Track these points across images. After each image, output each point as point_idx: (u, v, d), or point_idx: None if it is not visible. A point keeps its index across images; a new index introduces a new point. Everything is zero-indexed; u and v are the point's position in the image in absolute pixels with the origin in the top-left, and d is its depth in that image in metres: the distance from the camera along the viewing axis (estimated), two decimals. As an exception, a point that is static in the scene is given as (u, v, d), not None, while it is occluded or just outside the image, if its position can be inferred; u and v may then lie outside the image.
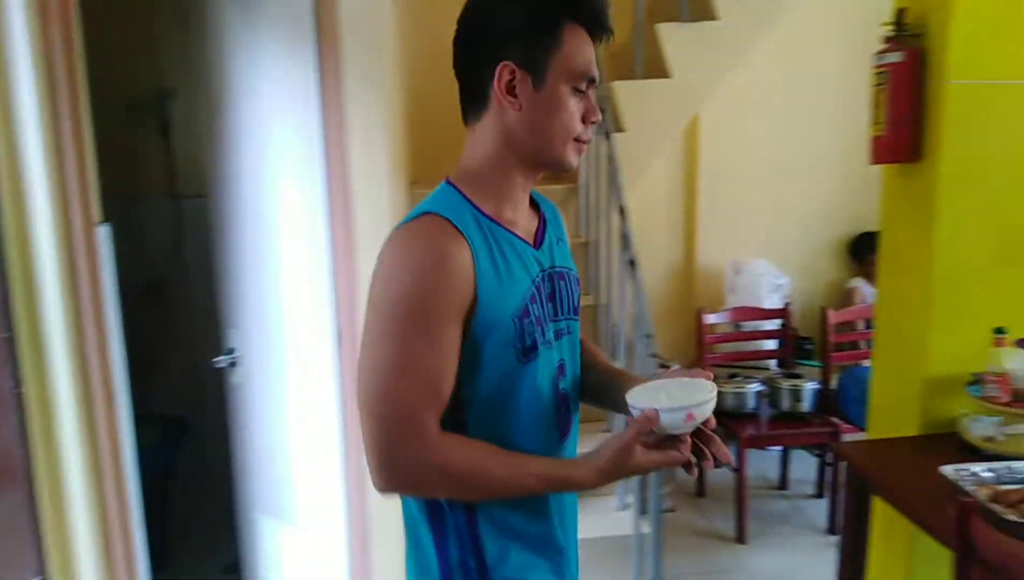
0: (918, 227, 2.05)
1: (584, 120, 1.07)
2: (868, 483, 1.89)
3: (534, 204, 1.17)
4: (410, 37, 3.78)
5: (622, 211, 2.44)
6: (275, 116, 1.96)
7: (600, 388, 1.22)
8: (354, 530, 2.00)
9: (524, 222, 1.12)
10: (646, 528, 2.25)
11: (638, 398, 1.01)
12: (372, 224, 1.90)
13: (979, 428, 1.89)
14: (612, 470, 0.99)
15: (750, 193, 4.26)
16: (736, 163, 4.22)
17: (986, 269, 1.99)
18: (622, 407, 1.10)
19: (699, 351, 3.58)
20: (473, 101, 1.08)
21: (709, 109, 4.09)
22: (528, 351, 1.04)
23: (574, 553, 1.20)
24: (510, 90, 1.03)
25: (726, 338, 3.78)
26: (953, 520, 1.37)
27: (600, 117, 1.08)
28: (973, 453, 1.83)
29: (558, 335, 1.11)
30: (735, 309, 3.76)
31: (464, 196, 1.06)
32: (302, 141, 1.88)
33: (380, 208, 1.93)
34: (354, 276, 1.87)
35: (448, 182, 1.10)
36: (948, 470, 1.62)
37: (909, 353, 2.10)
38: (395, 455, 0.97)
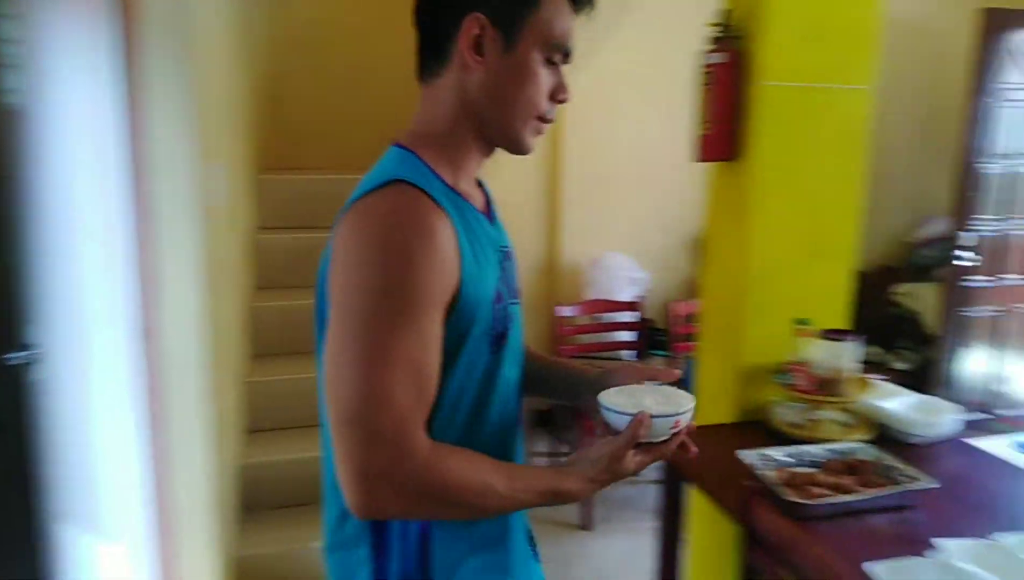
0: (735, 223, 2.13)
1: (552, 97, 0.98)
2: (678, 469, 1.95)
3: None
4: (266, 23, 3.64)
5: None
6: (74, 96, 1.81)
7: (542, 377, 1.16)
8: (162, 537, 1.89)
9: (476, 195, 1.03)
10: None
11: (617, 402, 0.97)
12: (176, 213, 1.79)
13: (785, 414, 1.99)
14: (605, 478, 0.94)
15: (613, 190, 4.36)
16: (600, 160, 4.31)
17: (795, 264, 2.09)
18: (576, 399, 1.10)
19: (555, 343, 3.64)
20: (432, 55, 0.96)
21: (574, 107, 4.14)
22: (500, 339, 0.96)
23: (523, 547, 1.11)
24: (476, 48, 0.92)
25: (582, 330, 3.85)
26: (737, 504, 1.43)
27: (569, 96, 0.98)
28: (781, 438, 1.93)
29: (513, 319, 1.03)
30: (588, 302, 3.84)
31: (424, 162, 0.94)
32: (100, 124, 1.74)
33: (184, 197, 1.82)
34: (156, 267, 1.76)
35: (400, 146, 0.97)
36: (745, 455, 1.68)
37: (727, 343, 2.18)
38: (387, 474, 0.82)
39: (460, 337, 0.90)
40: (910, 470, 1.60)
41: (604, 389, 1.02)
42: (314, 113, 3.86)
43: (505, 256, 1.03)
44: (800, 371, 1.95)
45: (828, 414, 1.96)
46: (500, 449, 1.00)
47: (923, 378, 3.94)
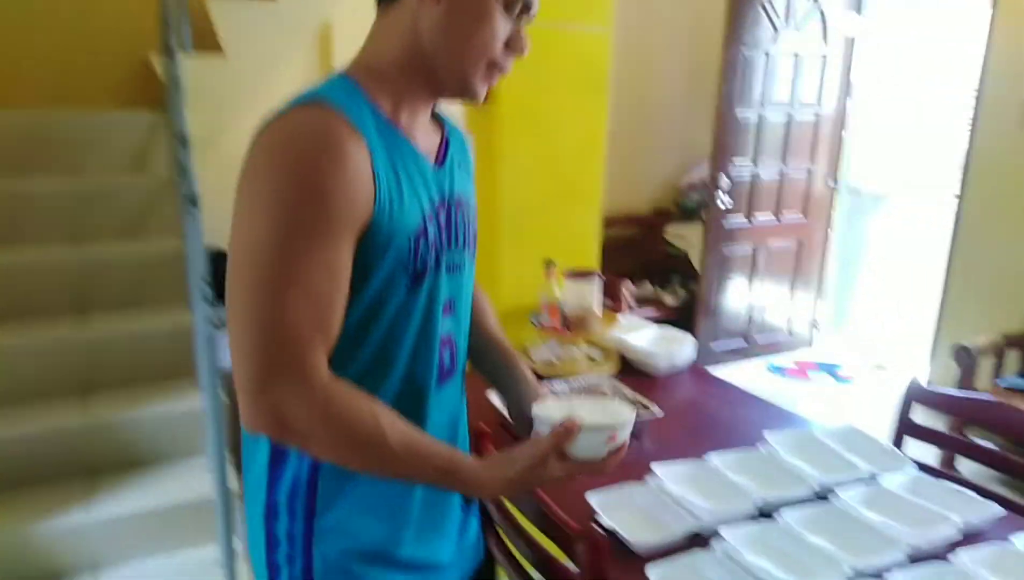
0: (488, 167, 2.11)
1: (508, 46, 0.94)
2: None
3: (436, 119, 1.04)
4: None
5: (182, 141, 2.19)
6: None
7: (483, 354, 1.17)
8: None
9: (423, 136, 0.99)
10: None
11: (551, 412, 0.95)
12: None
13: (539, 353, 2.03)
14: (523, 482, 0.92)
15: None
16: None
17: (545, 206, 2.13)
18: (504, 397, 1.12)
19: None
20: None
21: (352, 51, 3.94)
22: (418, 277, 0.92)
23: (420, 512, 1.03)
24: None
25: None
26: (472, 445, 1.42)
27: (527, 51, 0.95)
28: (537, 378, 1.96)
29: (450, 269, 0.98)
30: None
31: (362, 90, 0.91)
32: None
33: None
34: None
35: (343, 74, 0.93)
36: (493, 395, 1.68)
37: (487, 286, 2.18)
38: (272, 390, 0.80)
39: (371, 265, 0.88)
40: (642, 400, 1.68)
41: (533, 399, 1.04)
42: (20, 42, 3.35)
43: (456, 203, 1.00)
44: (550, 311, 1.98)
45: (579, 350, 2.02)
46: (408, 404, 0.95)
47: (691, 311, 4.25)
